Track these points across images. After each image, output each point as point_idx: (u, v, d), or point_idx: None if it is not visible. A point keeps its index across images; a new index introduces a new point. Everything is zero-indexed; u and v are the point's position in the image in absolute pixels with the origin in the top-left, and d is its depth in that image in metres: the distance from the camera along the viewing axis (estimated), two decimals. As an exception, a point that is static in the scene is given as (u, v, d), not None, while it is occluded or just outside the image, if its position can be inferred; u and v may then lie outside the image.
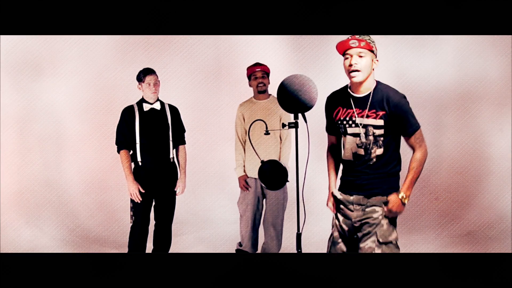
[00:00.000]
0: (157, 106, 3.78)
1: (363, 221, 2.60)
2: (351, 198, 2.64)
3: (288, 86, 2.53)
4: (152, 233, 3.87)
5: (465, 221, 5.00)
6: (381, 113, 2.52)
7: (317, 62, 5.17)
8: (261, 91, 3.89)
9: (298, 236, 2.56)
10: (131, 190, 3.68)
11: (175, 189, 3.83)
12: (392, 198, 2.55)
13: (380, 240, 2.54)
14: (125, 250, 3.90)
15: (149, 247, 3.88)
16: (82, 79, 5.14)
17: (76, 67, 5.13)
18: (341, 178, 2.76)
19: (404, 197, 2.54)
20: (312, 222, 4.50)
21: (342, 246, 2.71)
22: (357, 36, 2.51)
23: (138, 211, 3.72)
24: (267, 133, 2.85)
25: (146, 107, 3.75)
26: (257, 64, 3.90)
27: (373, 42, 2.55)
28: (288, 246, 4.15)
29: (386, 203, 2.56)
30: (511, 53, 5.06)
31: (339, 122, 2.66)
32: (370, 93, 2.55)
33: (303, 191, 2.57)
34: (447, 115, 5.19)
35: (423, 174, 5.37)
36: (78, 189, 5.14)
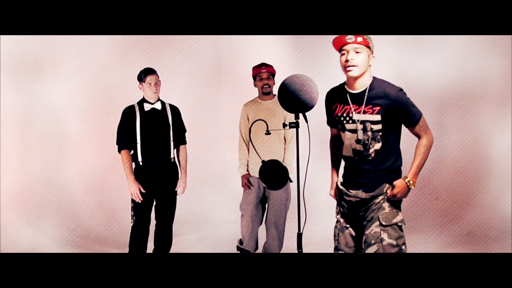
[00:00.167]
0: (158, 106, 3.79)
1: (367, 208, 2.61)
2: (351, 192, 2.65)
3: (288, 86, 2.53)
4: (153, 233, 3.87)
5: (465, 221, 5.00)
6: (377, 108, 2.52)
7: (317, 62, 5.17)
8: (265, 93, 3.89)
9: (299, 236, 2.56)
10: (132, 190, 3.68)
11: (176, 189, 3.83)
12: (399, 182, 2.57)
13: (383, 223, 2.54)
14: (125, 250, 3.90)
15: (150, 247, 3.88)
16: (82, 79, 5.15)
17: (76, 67, 5.14)
18: (343, 176, 2.77)
19: (411, 182, 2.55)
20: (312, 222, 4.51)
21: (351, 231, 2.72)
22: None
23: (139, 211, 3.72)
24: (268, 133, 2.86)
25: (147, 107, 3.75)
26: (263, 65, 3.89)
27: (369, 38, 2.55)
28: (288, 246, 4.15)
29: (393, 187, 2.57)
30: (511, 53, 5.07)
31: (337, 118, 2.68)
32: (366, 89, 2.56)
33: (304, 191, 2.57)
34: (447, 115, 5.19)
35: (424, 174, 5.39)
36: (78, 189, 5.15)
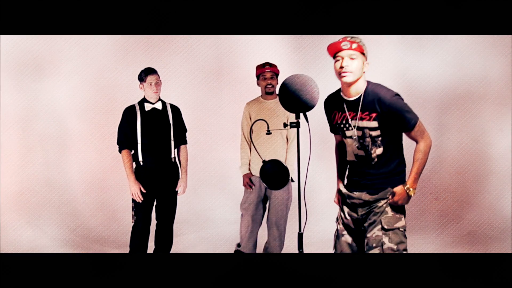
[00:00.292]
0: (159, 105, 3.78)
1: (368, 212, 2.61)
2: (354, 194, 2.66)
3: (289, 86, 2.52)
4: (154, 232, 3.87)
5: (465, 221, 5.00)
6: (374, 114, 2.52)
7: (317, 62, 5.17)
8: (268, 92, 3.89)
9: (300, 235, 2.55)
10: (132, 190, 3.68)
11: (176, 189, 3.83)
12: (398, 190, 2.56)
13: (385, 227, 2.54)
14: (126, 249, 3.90)
15: (151, 247, 3.88)
16: (83, 79, 5.15)
17: (77, 67, 5.14)
18: (347, 177, 2.78)
19: (410, 189, 2.54)
20: (313, 222, 4.52)
21: (347, 238, 2.72)
22: (348, 38, 2.52)
23: (140, 211, 3.72)
24: (268, 132, 2.85)
25: (148, 106, 3.75)
26: (267, 65, 3.87)
27: (364, 45, 2.55)
28: (289, 246, 4.15)
29: (393, 194, 2.57)
30: (511, 53, 5.07)
31: (337, 125, 2.69)
32: (361, 95, 2.56)
33: (305, 190, 2.57)
34: (447, 115, 5.19)
35: (424, 174, 5.37)
36: (79, 189, 5.15)
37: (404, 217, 2.61)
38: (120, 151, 3.76)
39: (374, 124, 2.53)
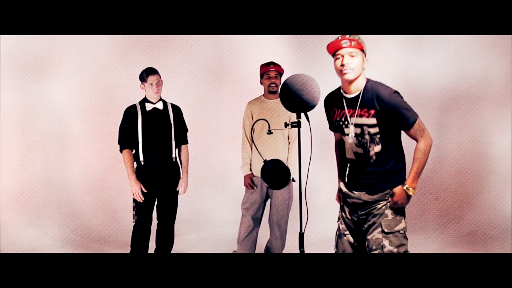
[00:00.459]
0: (160, 105, 3.79)
1: (368, 213, 2.61)
2: (354, 193, 2.66)
3: (290, 86, 2.52)
4: (155, 232, 3.87)
5: (466, 221, 5.00)
6: (372, 111, 2.52)
7: (317, 62, 5.17)
8: (272, 92, 3.88)
9: (301, 235, 2.55)
10: (133, 190, 3.68)
11: (177, 189, 3.83)
12: (397, 190, 2.55)
13: (386, 230, 2.54)
14: (126, 249, 3.90)
15: (152, 246, 3.88)
16: (83, 79, 5.15)
17: (77, 67, 5.14)
18: (347, 176, 2.78)
19: (409, 188, 2.53)
20: (314, 222, 4.51)
21: (349, 238, 2.73)
22: (347, 36, 2.52)
23: (141, 210, 3.72)
24: (269, 132, 2.86)
25: (149, 106, 3.75)
26: (272, 64, 3.87)
27: (363, 42, 2.56)
28: (290, 245, 4.15)
29: (392, 194, 2.57)
30: (511, 53, 5.07)
31: (336, 123, 2.69)
32: (360, 92, 2.56)
33: (306, 190, 2.57)
34: (447, 115, 5.19)
35: (424, 174, 5.38)
36: (79, 189, 5.15)
37: (404, 218, 2.61)
38: (121, 150, 3.76)
39: (373, 121, 2.52)
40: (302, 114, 2.54)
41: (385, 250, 2.53)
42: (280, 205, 3.90)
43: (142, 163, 3.72)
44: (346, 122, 2.62)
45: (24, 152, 5.11)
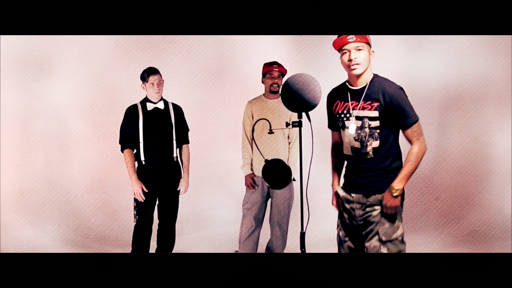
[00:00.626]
0: (161, 105, 3.79)
1: (365, 219, 2.60)
2: (352, 196, 2.65)
3: (291, 85, 2.52)
4: (156, 232, 3.87)
5: (466, 221, 5.00)
6: (375, 104, 2.52)
7: (317, 62, 5.17)
8: (273, 91, 3.88)
9: (302, 235, 2.55)
10: (134, 190, 3.68)
11: (178, 189, 3.83)
12: (386, 192, 2.53)
13: (383, 239, 2.54)
14: (127, 249, 3.90)
15: (153, 246, 3.88)
16: (83, 79, 5.15)
17: (77, 67, 5.14)
18: (344, 176, 2.77)
19: (395, 189, 2.48)
20: (315, 221, 4.51)
21: (349, 244, 2.72)
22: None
23: (142, 210, 3.72)
24: (270, 132, 2.86)
25: (150, 106, 3.75)
26: (275, 64, 3.87)
27: (367, 35, 2.57)
28: (291, 245, 4.15)
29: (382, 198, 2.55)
30: (511, 53, 5.07)
31: (338, 116, 2.68)
32: (366, 85, 2.57)
33: (307, 190, 2.57)
34: (447, 115, 5.19)
35: (424, 174, 5.38)
36: (80, 188, 5.16)
37: (401, 223, 2.59)
38: (122, 150, 3.76)
39: (375, 113, 2.52)
40: (303, 114, 2.54)
41: None
42: (281, 205, 3.90)
43: (143, 162, 3.72)
44: (348, 115, 2.61)
45: (24, 152, 5.11)
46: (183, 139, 3.91)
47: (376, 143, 2.56)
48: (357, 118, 2.57)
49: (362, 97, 2.55)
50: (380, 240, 2.54)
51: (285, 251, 4.07)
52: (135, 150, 3.76)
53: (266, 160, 2.67)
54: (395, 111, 2.51)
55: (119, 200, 5.09)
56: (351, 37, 2.51)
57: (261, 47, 5.21)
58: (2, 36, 4.90)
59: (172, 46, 5.21)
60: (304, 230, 2.56)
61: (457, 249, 4.56)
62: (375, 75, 2.61)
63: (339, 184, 2.80)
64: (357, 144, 2.60)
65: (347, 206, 2.69)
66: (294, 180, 3.79)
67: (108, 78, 5.16)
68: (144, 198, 3.68)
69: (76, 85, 5.15)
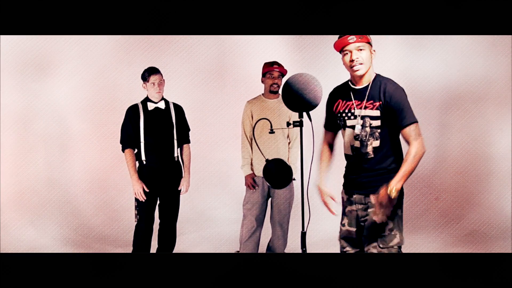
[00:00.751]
0: (162, 105, 3.79)
1: (365, 222, 2.60)
2: (353, 197, 2.64)
3: (292, 85, 2.52)
4: (157, 231, 3.87)
5: (466, 221, 5.00)
6: (377, 103, 2.53)
7: (317, 62, 5.17)
8: (273, 91, 3.88)
9: (303, 234, 2.55)
10: (135, 189, 3.68)
11: (179, 188, 3.83)
12: (381, 190, 2.47)
13: (381, 246, 2.54)
14: (128, 248, 3.91)
15: (154, 246, 3.88)
16: (83, 79, 5.15)
17: (77, 67, 5.14)
18: (344, 176, 2.76)
19: (393, 188, 2.42)
20: (316, 221, 4.51)
21: (349, 249, 2.71)
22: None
23: (143, 210, 3.72)
24: (272, 131, 2.86)
25: (151, 106, 3.76)
26: (276, 64, 3.87)
27: (368, 35, 2.57)
28: (291, 245, 4.15)
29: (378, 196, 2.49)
30: (511, 53, 5.06)
31: (339, 115, 2.67)
32: (369, 84, 2.57)
33: (308, 189, 2.57)
34: (447, 115, 5.19)
35: (424, 174, 5.38)
36: (80, 188, 5.16)
37: (400, 232, 2.58)
38: (123, 150, 3.76)
39: (376, 113, 2.52)
40: (304, 114, 2.54)
41: None
42: (282, 204, 3.90)
43: (144, 162, 3.72)
44: (349, 114, 2.61)
45: (24, 152, 5.11)
46: (184, 139, 3.91)
47: (376, 143, 2.56)
48: (360, 117, 2.57)
49: (365, 96, 2.55)
50: (378, 246, 2.54)
51: (286, 250, 4.07)
52: (136, 150, 3.76)
53: (267, 160, 2.67)
54: (393, 111, 2.50)
55: (119, 200, 5.09)
56: (352, 38, 2.51)
57: (261, 47, 5.20)
58: (2, 36, 4.90)
59: (172, 46, 5.21)
60: (305, 230, 2.56)
61: (457, 249, 4.55)
62: (377, 75, 2.61)
63: (323, 182, 2.74)
64: (357, 143, 2.59)
65: (349, 208, 2.68)
66: (294, 179, 3.80)
67: (108, 78, 5.16)
68: (145, 198, 3.68)
69: (76, 85, 5.14)
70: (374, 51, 2.60)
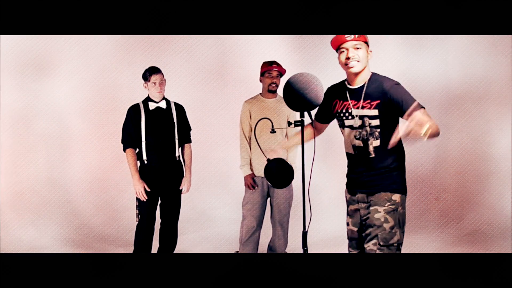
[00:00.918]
0: (163, 104, 3.79)
1: (366, 220, 2.60)
2: (356, 196, 2.65)
3: (294, 84, 2.52)
4: (158, 231, 3.88)
5: (466, 221, 5.00)
6: (375, 103, 2.52)
7: (317, 62, 5.17)
8: (271, 91, 3.88)
9: (304, 234, 2.55)
10: (137, 189, 3.68)
11: (180, 188, 3.83)
12: (418, 115, 2.23)
13: (381, 243, 2.54)
14: (128, 248, 3.91)
15: (155, 245, 3.88)
16: (83, 79, 5.16)
17: (77, 67, 5.14)
18: (346, 176, 2.77)
19: (428, 129, 2.19)
20: (317, 221, 4.52)
21: (352, 250, 2.73)
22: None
23: (144, 209, 3.72)
24: (273, 131, 2.86)
25: (152, 105, 3.76)
26: (274, 63, 3.87)
27: (367, 34, 2.57)
28: (292, 244, 4.16)
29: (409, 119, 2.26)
30: (511, 53, 5.06)
31: (337, 114, 2.67)
32: (364, 84, 2.56)
33: (309, 189, 2.57)
34: (447, 115, 5.19)
35: (424, 174, 5.38)
36: (80, 188, 5.16)
37: (400, 230, 2.57)
38: (124, 150, 3.76)
39: (375, 112, 2.52)
40: (305, 113, 2.54)
41: None
42: (282, 204, 3.90)
43: (146, 162, 3.73)
44: (346, 114, 2.61)
45: (24, 152, 5.11)
46: (185, 138, 3.91)
47: (377, 142, 2.56)
48: (358, 117, 2.57)
49: (362, 96, 2.55)
50: (378, 244, 2.54)
51: (287, 250, 4.07)
52: (137, 150, 3.77)
53: (268, 160, 2.67)
54: (394, 105, 2.47)
55: (119, 200, 5.09)
56: (349, 36, 2.51)
57: (261, 47, 5.21)
58: (2, 36, 4.90)
59: (172, 46, 5.21)
60: (306, 230, 2.56)
61: (457, 249, 4.56)
62: (373, 74, 2.60)
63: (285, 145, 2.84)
64: (358, 143, 2.59)
65: (352, 207, 2.68)
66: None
67: (108, 78, 5.16)
68: (146, 198, 3.68)
69: (76, 85, 5.15)
70: (371, 51, 2.59)
